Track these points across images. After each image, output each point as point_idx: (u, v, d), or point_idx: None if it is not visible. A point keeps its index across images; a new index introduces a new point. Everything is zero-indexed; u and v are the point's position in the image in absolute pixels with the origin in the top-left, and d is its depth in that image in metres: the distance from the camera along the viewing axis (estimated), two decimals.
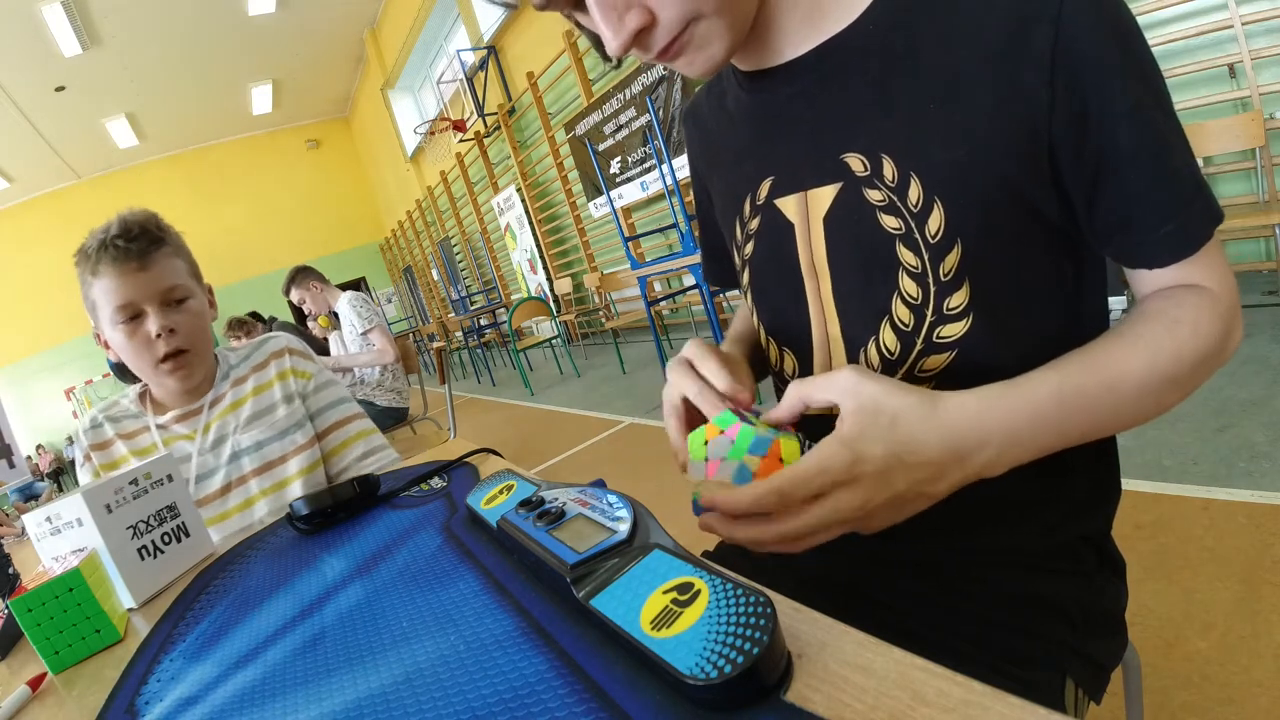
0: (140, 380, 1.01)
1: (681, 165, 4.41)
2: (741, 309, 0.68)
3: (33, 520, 0.63)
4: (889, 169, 0.46)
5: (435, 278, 10.55)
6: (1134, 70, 0.40)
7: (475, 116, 7.32)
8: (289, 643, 0.44)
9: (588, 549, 0.37)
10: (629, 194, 5.42)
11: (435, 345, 2.77)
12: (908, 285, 0.47)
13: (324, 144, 12.86)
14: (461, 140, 8.00)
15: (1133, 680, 0.61)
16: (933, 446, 0.38)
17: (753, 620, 0.27)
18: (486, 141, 7.72)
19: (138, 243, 0.90)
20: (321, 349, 3.32)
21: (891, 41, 0.45)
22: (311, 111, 12.25)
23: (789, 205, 0.52)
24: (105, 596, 0.56)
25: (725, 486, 0.40)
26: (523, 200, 7.10)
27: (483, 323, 7.31)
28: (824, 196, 0.49)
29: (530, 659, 0.34)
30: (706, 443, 0.44)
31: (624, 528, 0.37)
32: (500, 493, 0.53)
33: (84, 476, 0.99)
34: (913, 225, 0.46)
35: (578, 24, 0.48)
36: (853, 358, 0.51)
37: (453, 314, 8.41)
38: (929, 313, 0.47)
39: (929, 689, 0.25)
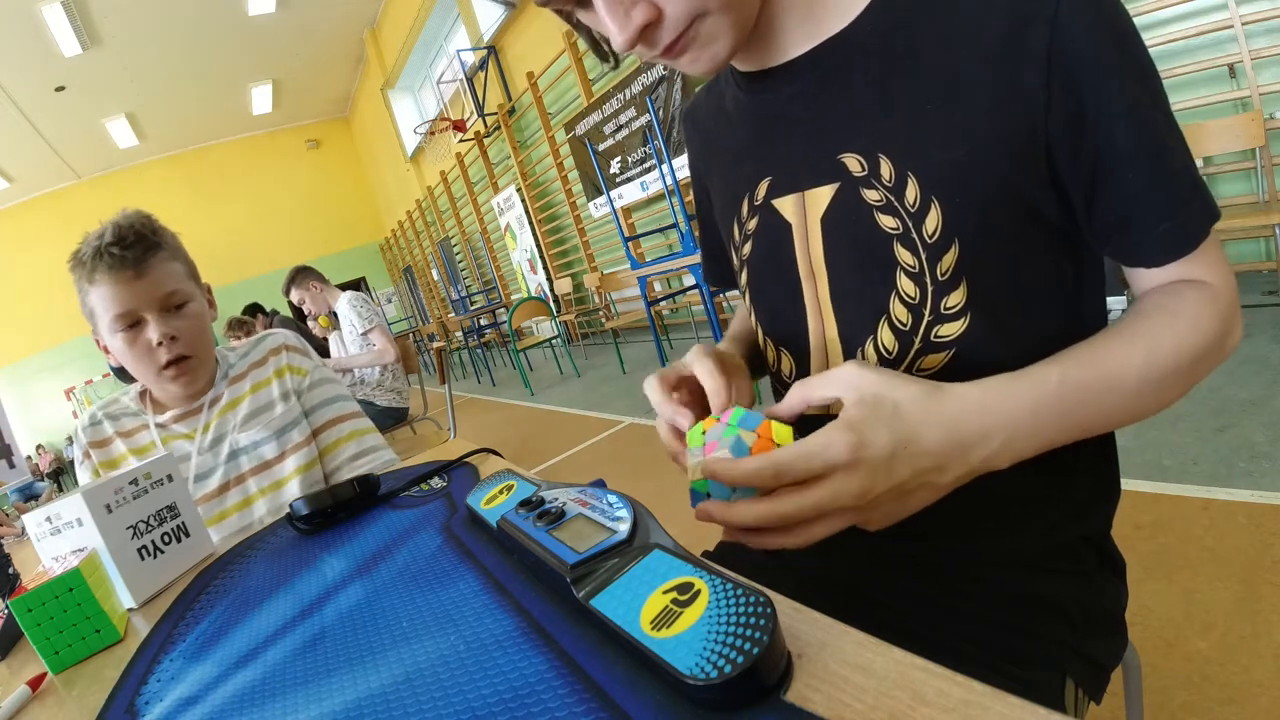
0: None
1: (681, 165, 4.41)
2: (740, 309, 0.68)
3: (33, 520, 0.63)
4: (886, 169, 0.46)
5: (435, 278, 10.55)
6: (1131, 70, 0.40)
7: (475, 116, 7.32)
8: (289, 643, 0.44)
9: (588, 549, 0.37)
10: (629, 194, 5.42)
11: (435, 345, 2.78)
12: (905, 285, 0.47)
13: (324, 144, 12.86)
14: (461, 140, 8.00)
15: (1133, 680, 0.61)
16: (935, 435, 0.38)
17: (753, 620, 0.27)
18: (486, 141, 7.72)
19: (133, 250, 0.89)
20: (321, 349, 3.32)
21: (890, 41, 0.45)
22: (311, 111, 12.25)
23: (786, 205, 0.52)
24: (105, 596, 0.56)
25: (724, 460, 0.40)
26: (523, 200, 7.10)
27: (483, 323, 7.31)
28: (821, 196, 0.49)
29: (530, 659, 0.34)
30: (704, 432, 0.44)
31: (624, 528, 0.37)
32: (500, 493, 0.53)
33: (83, 474, 0.99)
34: (910, 225, 0.46)
35: (577, 24, 0.48)
36: (850, 357, 0.51)
37: (453, 314, 8.41)
38: (927, 312, 0.47)
39: (929, 689, 0.25)
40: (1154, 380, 0.41)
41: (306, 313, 3.11)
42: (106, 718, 0.42)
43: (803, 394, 0.42)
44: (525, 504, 0.46)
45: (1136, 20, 0.43)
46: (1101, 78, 0.40)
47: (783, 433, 0.41)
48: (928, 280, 0.46)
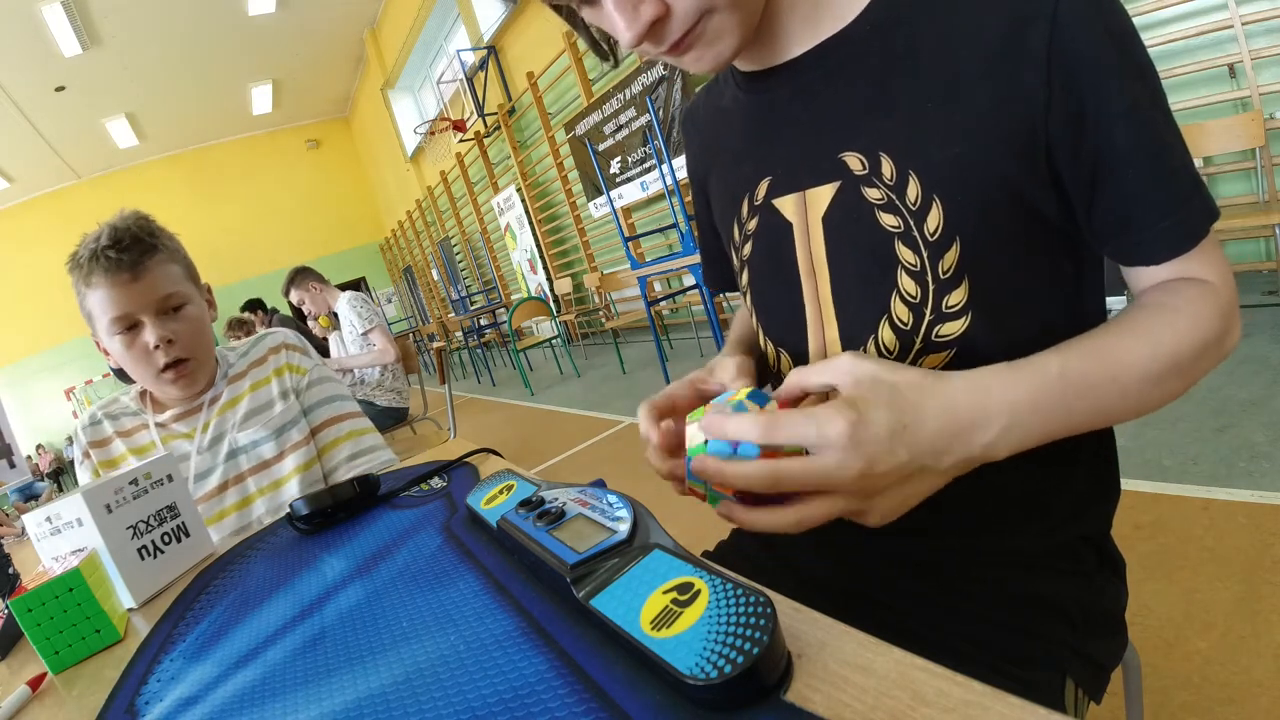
0: None
1: (681, 165, 4.40)
2: (741, 312, 0.68)
3: (33, 520, 0.63)
4: (887, 167, 0.46)
5: (435, 278, 10.55)
6: (1130, 70, 0.40)
7: (475, 116, 7.32)
8: (289, 643, 0.44)
9: (588, 549, 0.37)
10: (629, 194, 5.42)
11: (435, 345, 2.78)
12: (907, 284, 0.47)
13: (324, 144, 12.86)
14: (461, 140, 8.00)
15: (1133, 680, 0.61)
16: (934, 416, 0.38)
17: (753, 620, 0.27)
18: (486, 141, 7.72)
19: (129, 252, 0.88)
20: (322, 349, 3.32)
21: (890, 41, 0.45)
22: (311, 111, 12.25)
23: (787, 205, 0.52)
24: (105, 596, 0.56)
25: (722, 417, 0.40)
26: (523, 200, 7.10)
27: (483, 323, 7.30)
28: (822, 196, 0.49)
29: (530, 659, 0.34)
30: (709, 407, 0.43)
31: (624, 528, 0.37)
32: (500, 493, 0.53)
33: (82, 474, 0.99)
34: (911, 223, 0.46)
35: (578, 23, 0.48)
36: None
37: (453, 314, 8.41)
38: (928, 311, 0.47)
39: (929, 689, 0.25)
40: (1155, 375, 0.41)
41: (306, 313, 3.11)
42: (106, 718, 0.42)
43: (798, 380, 0.42)
44: (525, 504, 0.46)
45: (1136, 20, 0.42)
46: (1101, 77, 0.40)
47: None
48: (929, 279, 0.46)
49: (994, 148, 0.43)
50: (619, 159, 5.40)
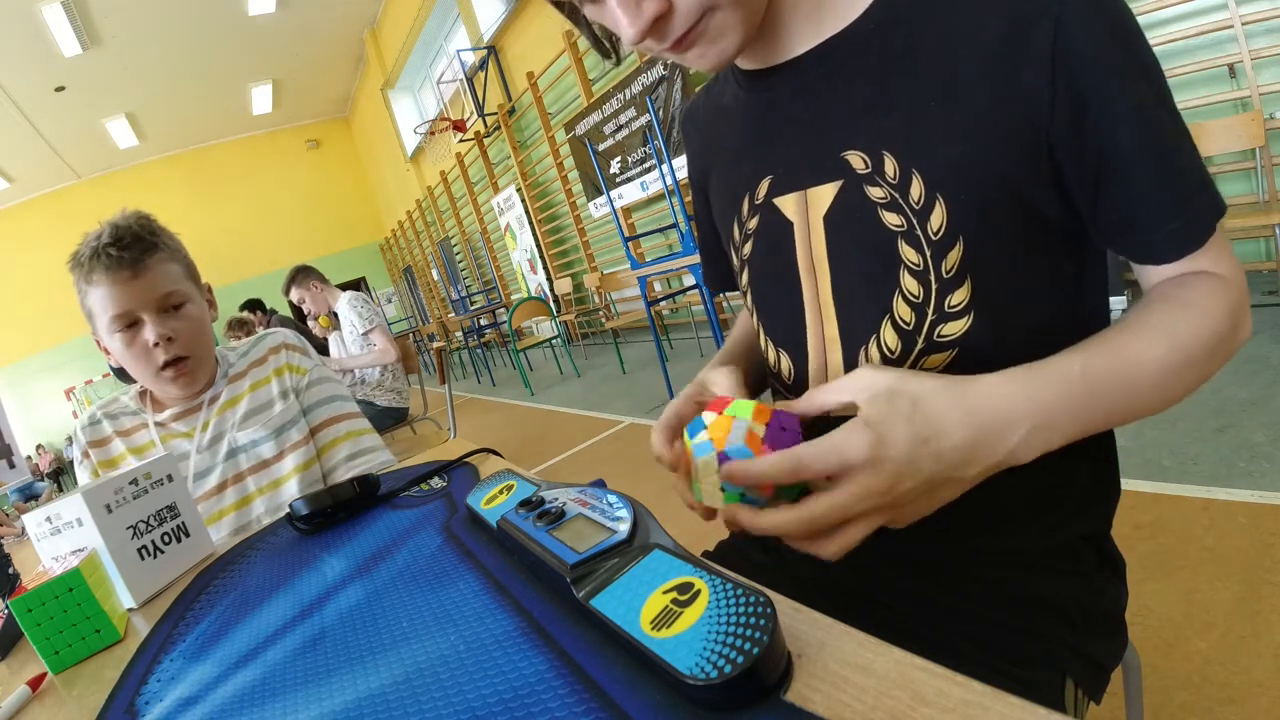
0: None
1: (681, 165, 4.40)
2: (742, 315, 0.67)
3: (33, 520, 0.63)
4: (890, 166, 0.46)
5: (435, 278, 10.55)
6: (1134, 69, 0.40)
7: (475, 116, 7.32)
8: (289, 643, 0.44)
9: (588, 549, 0.37)
10: (629, 194, 5.42)
11: (435, 345, 2.78)
12: (909, 283, 0.47)
13: (324, 144, 12.85)
14: (461, 140, 8.00)
15: (1133, 680, 0.61)
16: (957, 427, 0.37)
17: (753, 620, 0.27)
18: (486, 141, 7.72)
19: (130, 250, 0.89)
20: (322, 349, 3.32)
21: (892, 40, 0.45)
22: (311, 111, 12.25)
23: (788, 204, 0.52)
24: (105, 596, 0.56)
25: (742, 461, 0.39)
26: (523, 200, 7.10)
27: (483, 323, 7.30)
28: (824, 195, 0.49)
29: (530, 659, 0.34)
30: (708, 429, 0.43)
31: (624, 528, 0.37)
32: (500, 493, 0.53)
33: (82, 474, 0.99)
34: (915, 222, 0.46)
35: (580, 20, 0.48)
36: (851, 356, 0.51)
37: (453, 314, 8.40)
38: (930, 311, 0.47)
39: (929, 689, 0.25)
40: (1173, 369, 0.41)
41: (306, 312, 3.11)
42: (106, 718, 0.42)
43: (817, 399, 0.42)
44: (525, 504, 0.46)
45: (1137, 20, 0.42)
46: (1105, 77, 0.40)
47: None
48: (932, 278, 0.46)
49: (993, 147, 0.43)
50: (619, 159, 5.40)
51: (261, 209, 12.18)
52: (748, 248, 0.57)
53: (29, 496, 7.88)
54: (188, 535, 0.72)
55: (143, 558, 0.65)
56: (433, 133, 8.93)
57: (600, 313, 6.32)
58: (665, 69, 4.55)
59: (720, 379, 0.50)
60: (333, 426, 1.06)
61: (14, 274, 10.38)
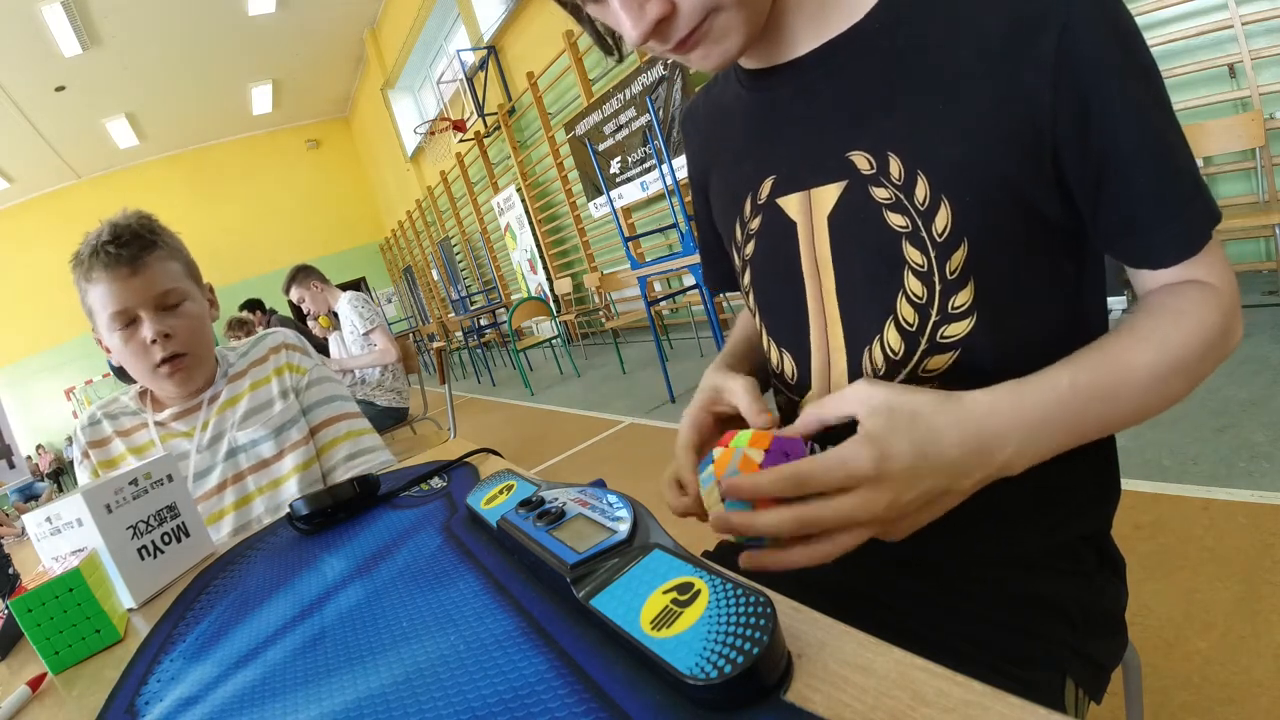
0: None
1: (681, 165, 4.40)
2: (743, 314, 0.67)
3: (33, 520, 0.63)
4: (896, 167, 0.46)
5: (435, 278, 10.54)
6: (1134, 70, 0.40)
7: (475, 116, 7.32)
8: (289, 643, 0.44)
9: (588, 549, 0.37)
10: (629, 194, 5.42)
11: (435, 345, 2.78)
12: (913, 284, 0.47)
13: (324, 144, 12.85)
14: (461, 140, 8.00)
15: (1133, 680, 0.61)
16: (954, 441, 0.38)
17: (753, 620, 0.27)
18: (486, 141, 7.72)
19: (129, 248, 0.89)
20: (322, 349, 3.32)
21: (894, 40, 0.45)
22: (311, 111, 12.24)
23: (791, 204, 0.52)
24: (105, 596, 0.56)
25: (741, 477, 0.39)
26: (523, 200, 7.10)
27: (483, 323, 7.30)
28: (828, 195, 0.49)
29: (530, 659, 0.34)
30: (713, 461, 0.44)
31: (624, 528, 0.37)
32: (500, 493, 0.53)
33: (82, 474, 0.99)
34: (920, 223, 0.46)
35: (584, 18, 0.48)
36: (855, 357, 0.51)
37: (453, 314, 8.40)
38: (934, 312, 0.47)
39: (929, 689, 0.25)
40: (1162, 378, 0.41)
41: (306, 312, 3.11)
42: (106, 718, 0.42)
43: (816, 414, 0.42)
44: (525, 504, 0.46)
45: (1137, 20, 0.43)
46: (1106, 77, 0.40)
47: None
48: (936, 280, 0.46)
49: (994, 148, 0.43)
50: (619, 159, 5.39)
51: (261, 209, 12.17)
52: (750, 248, 0.57)
53: (29, 497, 7.87)
54: (188, 535, 0.72)
55: (143, 558, 0.65)
56: (433, 133, 8.93)
57: (600, 313, 6.32)
58: (665, 69, 4.55)
59: (738, 388, 0.50)
60: (332, 426, 1.06)
61: (14, 274, 10.37)
